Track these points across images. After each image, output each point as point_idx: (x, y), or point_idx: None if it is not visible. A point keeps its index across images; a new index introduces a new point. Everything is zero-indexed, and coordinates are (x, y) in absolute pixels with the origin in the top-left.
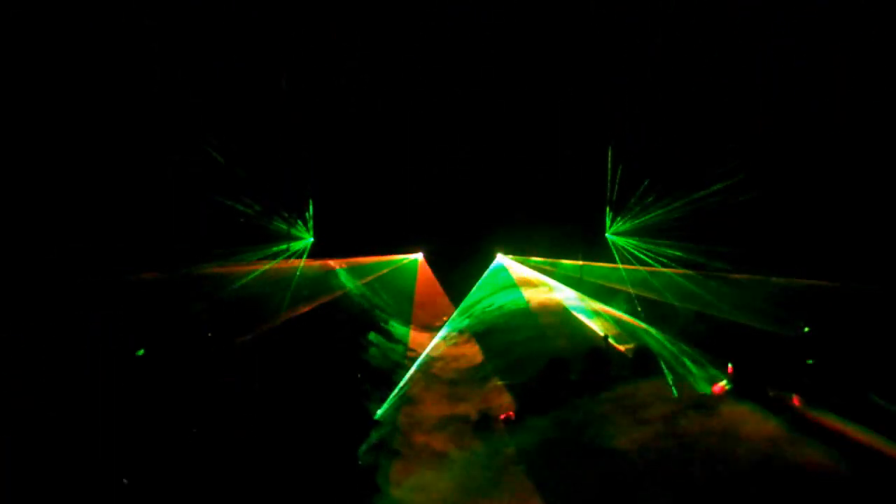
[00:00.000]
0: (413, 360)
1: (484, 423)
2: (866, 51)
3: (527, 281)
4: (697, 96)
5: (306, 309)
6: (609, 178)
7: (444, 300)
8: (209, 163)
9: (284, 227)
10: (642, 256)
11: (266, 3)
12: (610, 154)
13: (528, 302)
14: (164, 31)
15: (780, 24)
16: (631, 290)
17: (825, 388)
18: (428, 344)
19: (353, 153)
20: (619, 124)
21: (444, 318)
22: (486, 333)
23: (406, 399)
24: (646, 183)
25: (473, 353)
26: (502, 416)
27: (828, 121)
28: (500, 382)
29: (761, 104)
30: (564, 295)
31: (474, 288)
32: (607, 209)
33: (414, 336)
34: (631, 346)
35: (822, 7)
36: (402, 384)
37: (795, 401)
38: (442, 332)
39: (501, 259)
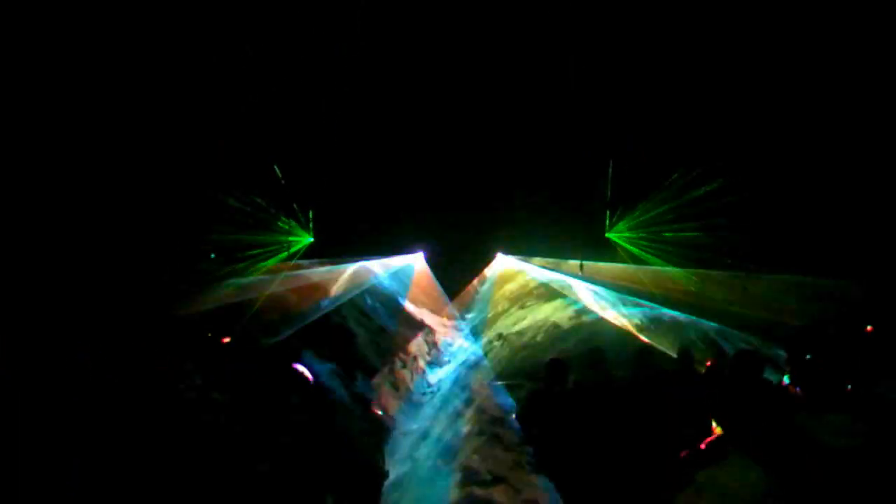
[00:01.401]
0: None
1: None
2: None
3: (550, 289)
4: (694, 97)
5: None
6: (607, 178)
7: (441, 296)
8: (212, 162)
9: (286, 226)
10: (643, 255)
11: (269, 4)
12: (608, 154)
13: (558, 324)
14: (166, 31)
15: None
16: (651, 288)
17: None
18: (444, 329)
19: (354, 155)
20: (619, 125)
21: (447, 314)
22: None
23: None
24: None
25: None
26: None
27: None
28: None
29: (757, 104)
30: (584, 301)
31: (486, 286)
32: (605, 212)
33: (433, 320)
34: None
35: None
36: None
37: None
38: (473, 343)
39: (504, 259)
